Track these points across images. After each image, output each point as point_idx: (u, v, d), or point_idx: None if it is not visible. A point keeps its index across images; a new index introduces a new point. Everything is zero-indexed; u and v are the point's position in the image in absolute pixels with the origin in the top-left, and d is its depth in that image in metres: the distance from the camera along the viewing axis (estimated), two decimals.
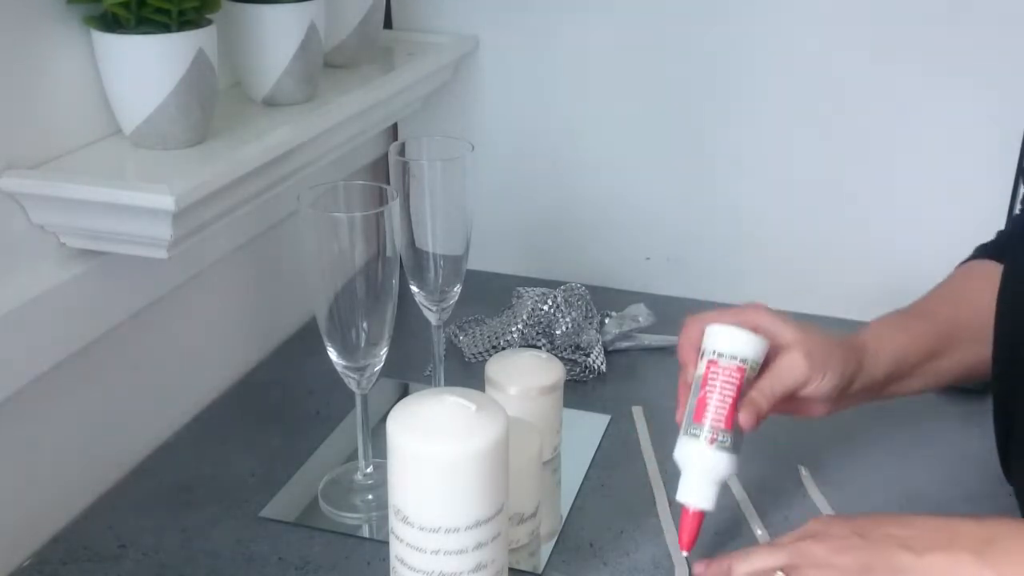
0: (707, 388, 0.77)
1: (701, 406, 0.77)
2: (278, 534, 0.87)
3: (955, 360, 0.84)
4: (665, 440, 0.99)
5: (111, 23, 0.79)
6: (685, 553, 0.79)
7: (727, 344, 0.77)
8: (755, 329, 0.78)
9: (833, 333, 0.81)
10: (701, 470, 0.77)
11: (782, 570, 0.71)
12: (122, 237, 0.81)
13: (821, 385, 0.78)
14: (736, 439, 0.77)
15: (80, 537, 0.86)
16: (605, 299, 1.21)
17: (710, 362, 0.77)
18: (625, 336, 1.14)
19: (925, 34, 1.09)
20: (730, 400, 0.76)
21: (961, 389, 1.00)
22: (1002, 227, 0.98)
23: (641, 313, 1.16)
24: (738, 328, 0.77)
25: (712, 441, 0.76)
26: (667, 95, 1.20)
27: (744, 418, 0.76)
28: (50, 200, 0.78)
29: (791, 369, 0.77)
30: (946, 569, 0.65)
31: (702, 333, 0.79)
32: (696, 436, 0.77)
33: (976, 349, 0.81)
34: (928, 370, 0.83)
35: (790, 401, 0.80)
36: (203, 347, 1.04)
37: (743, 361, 0.77)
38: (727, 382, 0.76)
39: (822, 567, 0.70)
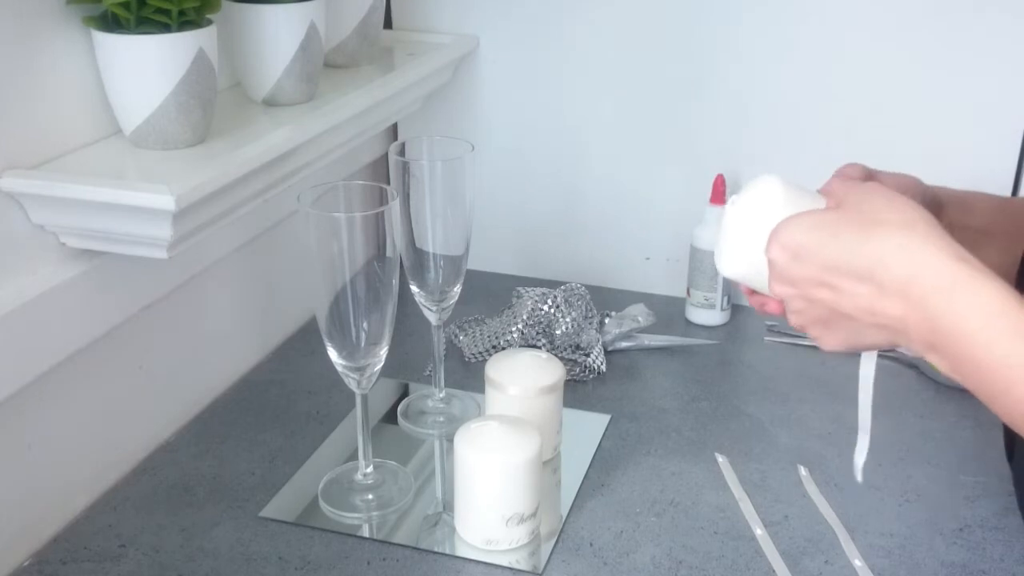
0: None
1: None
2: (278, 534, 0.87)
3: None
4: (666, 441, 0.99)
5: (111, 23, 0.79)
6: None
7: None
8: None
9: None
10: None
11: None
12: (122, 237, 0.81)
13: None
14: None
15: (80, 537, 0.86)
16: (605, 299, 1.21)
17: None
18: (625, 336, 1.15)
19: (926, 32, 1.09)
20: None
21: (961, 388, 1.00)
22: None
23: (641, 313, 1.16)
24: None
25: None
26: (667, 95, 1.20)
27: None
28: (50, 200, 0.78)
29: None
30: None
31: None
32: None
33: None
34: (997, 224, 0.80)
35: None
36: (203, 347, 1.04)
37: None
38: None
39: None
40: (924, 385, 1.08)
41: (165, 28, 0.79)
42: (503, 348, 1.10)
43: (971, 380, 0.60)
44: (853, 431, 0.74)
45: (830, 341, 0.68)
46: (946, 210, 0.79)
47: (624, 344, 1.15)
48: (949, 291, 0.59)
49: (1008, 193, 1.13)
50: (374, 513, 0.89)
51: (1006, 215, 0.82)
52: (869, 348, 0.68)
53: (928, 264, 0.60)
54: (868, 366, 0.73)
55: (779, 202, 0.68)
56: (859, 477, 0.77)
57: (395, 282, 0.82)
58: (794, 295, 0.67)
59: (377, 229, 0.79)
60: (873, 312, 0.62)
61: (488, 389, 0.93)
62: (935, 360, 0.62)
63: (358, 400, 0.87)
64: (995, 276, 0.60)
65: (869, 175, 0.75)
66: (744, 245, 0.70)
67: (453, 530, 0.86)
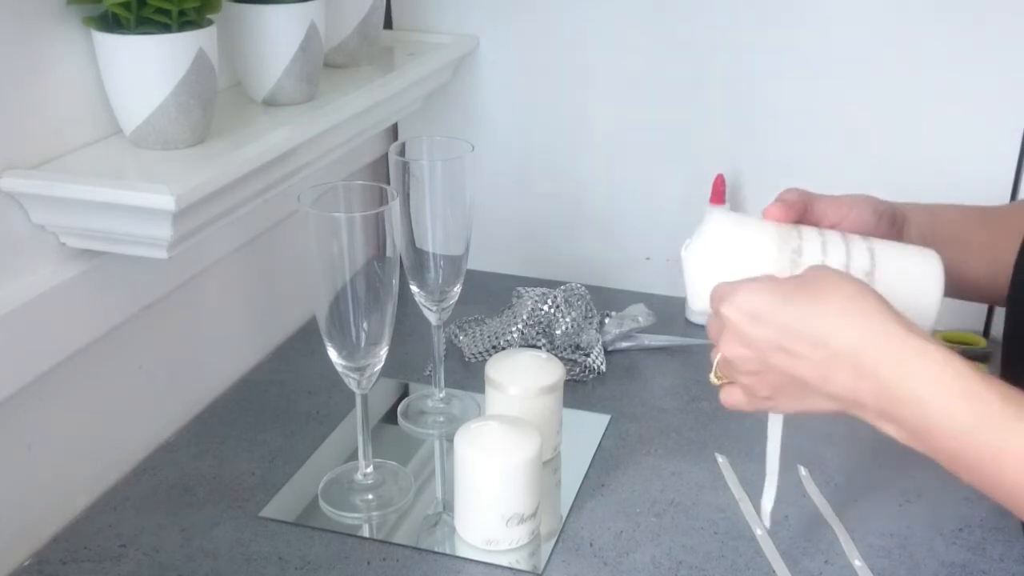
0: None
1: None
2: (278, 534, 0.87)
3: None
4: (666, 441, 0.99)
5: (111, 23, 0.79)
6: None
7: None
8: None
9: None
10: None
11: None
12: (122, 237, 0.81)
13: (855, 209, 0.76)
14: None
15: (80, 537, 0.86)
16: (605, 299, 1.21)
17: None
18: (625, 336, 1.15)
19: (926, 31, 1.09)
20: None
21: None
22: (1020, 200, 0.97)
23: (641, 313, 1.16)
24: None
25: None
26: (667, 95, 1.20)
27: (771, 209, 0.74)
28: (50, 200, 0.78)
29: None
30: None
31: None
32: None
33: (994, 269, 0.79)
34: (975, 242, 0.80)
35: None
36: (203, 347, 1.04)
37: None
38: None
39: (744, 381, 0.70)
40: None
41: (165, 28, 0.79)
42: (503, 348, 1.10)
43: (929, 446, 0.62)
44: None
45: (782, 406, 0.70)
46: (911, 223, 0.80)
47: (624, 344, 1.15)
48: (899, 359, 0.61)
49: (1007, 195, 1.13)
50: (374, 513, 0.89)
51: (980, 223, 0.83)
52: (820, 415, 0.69)
53: (879, 333, 0.62)
54: (776, 422, 0.78)
55: (730, 240, 0.73)
56: (767, 523, 0.82)
57: (395, 282, 0.82)
58: (750, 358, 0.68)
59: (377, 229, 0.79)
60: (825, 379, 0.64)
61: (488, 389, 0.93)
62: (890, 430, 0.63)
63: (358, 400, 0.87)
64: (943, 344, 0.61)
65: (807, 198, 0.77)
66: (707, 288, 0.73)
67: (453, 530, 0.86)
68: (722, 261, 0.72)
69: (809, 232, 0.74)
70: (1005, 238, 0.79)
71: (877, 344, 0.62)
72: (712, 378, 0.73)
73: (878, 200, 0.78)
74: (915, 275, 0.71)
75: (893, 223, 0.78)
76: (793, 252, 0.72)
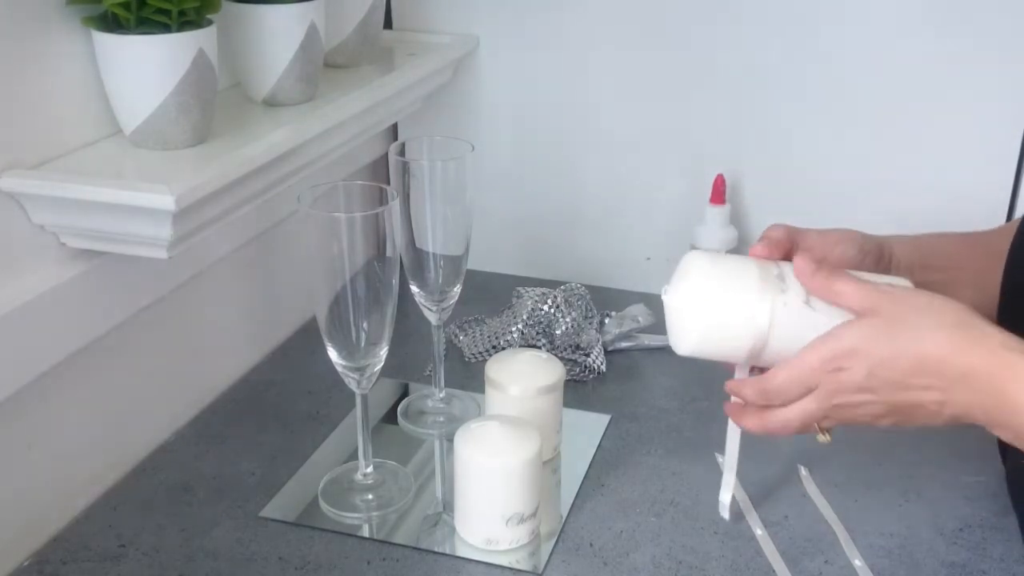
0: None
1: None
2: (278, 534, 0.87)
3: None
4: (666, 441, 0.99)
5: (111, 23, 0.79)
6: None
7: None
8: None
9: None
10: None
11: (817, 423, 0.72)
12: (122, 237, 0.81)
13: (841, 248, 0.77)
14: None
15: (80, 537, 0.86)
16: (605, 299, 1.21)
17: None
18: (625, 336, 1.15)
19: (926, 31, 1.09)
20: None
21: None
22: (1002, 225, 0.97)
23: (641, 313, 1.16)
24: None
25: None
26: (667, 95, 1.20)
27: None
28: (50, 200, 0.78)
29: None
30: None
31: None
32: None
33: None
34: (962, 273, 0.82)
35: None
36: (203, 347, 1.04)
37: None
38: None
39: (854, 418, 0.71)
40: None
41: (165, 28, 0.79)
42: (503, 348, 1.10)
43: None
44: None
45: (881, 425, 0.71)
46: (897, 258, 0.81)
47: (624, 344, 1.15)
48: (1012, 377, 0.63)
49: (1004, 206, 1.13)
50: (374, 513, 0.89)
51: (974, 250, 0.84)
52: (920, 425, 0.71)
53: (985, 350, 0.64)
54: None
55: (714, 274, 0.73)
56: (725, 514, 0.84)
57: (395, 282, 0.82)
58: (871, 401, 0.69)
59: (377, 229, 0.79)
60: (944, 404, 0.67)
61: (488, 389, 0.93)
62: (998, 432, 0.67)
63: (358, 400, 0.87)
64: None
65: (793, 235, 0.77)
66: (694, 330, 0.74)
67: (453, 530, 0.86)
68: (710, 297, 0.72)
69: (787, 263, 0.74)
70: (993, 262, 0.80)
71: (987, 362, 0.64)
72: (820, 438, 0.74)
73: (864, 236, 0.80)
74: None
75: (879, 259, 0.79)
76: (776, 278, 0.72)
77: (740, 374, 0.78)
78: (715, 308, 0.72)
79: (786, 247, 0.76)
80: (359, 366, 0.84)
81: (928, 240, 0.84)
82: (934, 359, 0.66)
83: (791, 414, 0.72)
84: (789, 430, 0.73)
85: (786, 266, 0.74)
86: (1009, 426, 0.65)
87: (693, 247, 1.19)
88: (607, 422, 1.02)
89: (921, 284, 0.74)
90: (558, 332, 1.10)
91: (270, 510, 0.89)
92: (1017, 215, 1.13)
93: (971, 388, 0.65)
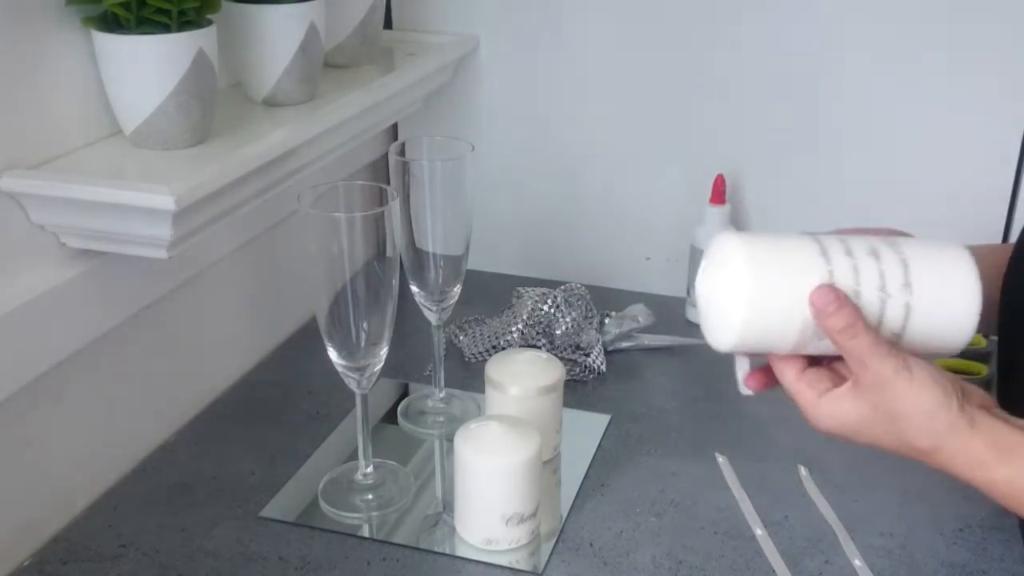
0: None
1: None
2: (278, 534, 0.87)
3: None
4: (666, 441, 0.99)
5: (111, 23, 0.79)
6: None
7: None
8: None
9: None
10: None
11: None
12: (122, 237, 0.81)
13: None
14: None
15: (80, 537, 0.86)
16: (605, 299, 1.21)
17: None
18: (625, 336, 1.15)
19: (926, 32, 1.09)
20: None
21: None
22: (1002, 227, 0.98)
23: (641, 313, 1.16)
24: None
25: None
26: (667, 95, 1.21)
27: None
28: (50, 200, 0.78)
29: None
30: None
31: None
32: None
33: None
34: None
35: None
36: (203, 347, 1.04)
37: None
38: None
39: None
40: None
41: (165, 28, 0.79)
42: (503, 348, 1.10)
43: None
44: None
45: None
46: None
47: (624, 344, 1.15)
48: (995, 469, 0.65)
49: (1004, 206, 1.12)
50: (374, 513, 0.89)
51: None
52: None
53: (970, 455, 0.65)
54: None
55: (743, 262, 0.65)
56: (743, 390, 0.74)
57: (395, 282, 0.82)
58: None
59: (377, 229, 0.79)
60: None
61: (488, 389, 0.93)
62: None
63: (358, 400, 0.87)
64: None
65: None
66: (732, 315, 0.65)
67: (453, 530, 0.86)
68: (761, 284, 0.65)
69: (833, 245, 0.66)
70: (993, 275, 0.79)
71: (969, 465, 0.65)
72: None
73: None
74: (952, 288, 0.67)
75: None
76: (828, 273, 0.65)
77: (741, 367, 0.72)
78: (766, 291, 0.64)
79: None
80: (359, 366, 0.84)
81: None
82: (916, 456, 0.68)
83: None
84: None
85: (831, 251, 0.66)
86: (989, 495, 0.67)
87: (693, 247, 1.20)
88: (607, 422, 1.02)
89: None
90: (558, 332, 1.10)
91: (270, 510, 0.89)
92: (1017, 216, 1.13)
93: (959, 472, 0.66)
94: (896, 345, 0.65)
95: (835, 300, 0.63)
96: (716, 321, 0.67)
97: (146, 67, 0.80)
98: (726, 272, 0.66)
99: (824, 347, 0.67)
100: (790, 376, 0.68)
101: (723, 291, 0.66)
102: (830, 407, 0.67)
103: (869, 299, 0.65)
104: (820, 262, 0.65)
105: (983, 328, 0.73)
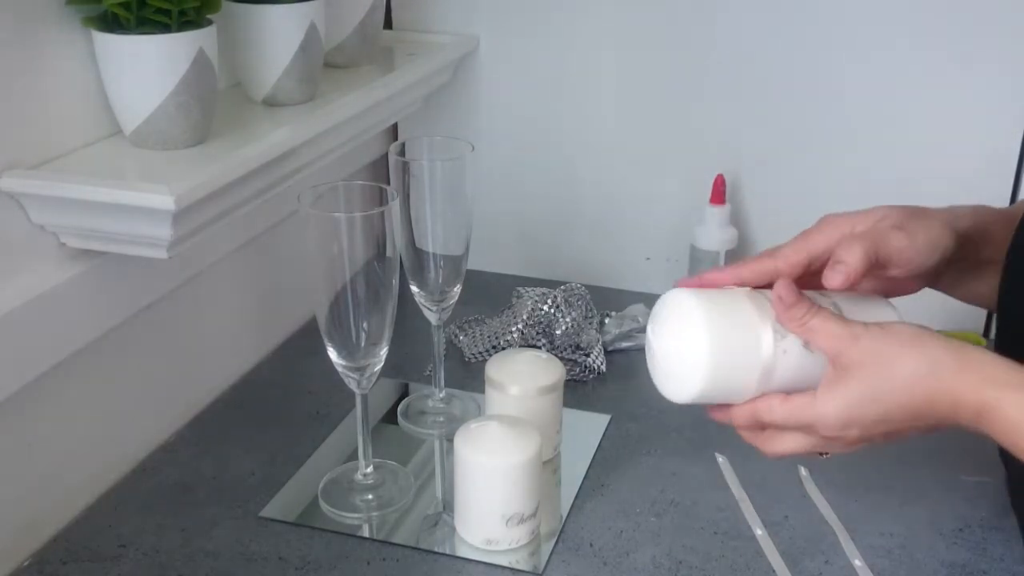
0: None
1: None
2: (278, 534, 0.87)
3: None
4: (666, 441, 0.99)
5: (111, 23, 0.79)
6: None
7: None
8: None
9: None
10: None
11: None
12: (122, 237, 0.81)
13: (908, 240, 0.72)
14: None
15: (80, 537, 0.86)
16: (605, 299, 1.21)
17: None
18: (625, 336, 1.15)
19: (926, 32, 1.09)
20: None
21: None
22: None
23: (641, 313, 1.16)
24: None
25: None
26: (667, 95, 1.21)
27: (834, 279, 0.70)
28: (50, 200, 0.78)
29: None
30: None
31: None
32: None
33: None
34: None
35: (881, 267, 0.73)
36: (203, 347, 1.04)
37: None
38: None
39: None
40: None
41: (165, 28, 0.79)
42: (503, 348, 1.10)
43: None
44: None
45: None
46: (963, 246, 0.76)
47: (624, 344, 1.15)
48: (991, 420, 0.64)
49: (1005, 206, 1.12)
50: (374, 513, 0.89)
51: (1008, 229, 0.80)
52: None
53: (965, 394, 0.65)
54: None
55: (699, 316, 0.68)
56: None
57: (395, 282, 0.82)
58: (854, 445, 0.71)
59: (377, 229, 0.79)
60: (931, 429, 0.69)
61: (488, 389, 0.93)
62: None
63: (358, 400, 0.87)
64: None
65: (877, 246, 0.72)
66: (686, 369, 0.70)
67: (453, 530, 0.86)
68: (713, 335, 0.67)
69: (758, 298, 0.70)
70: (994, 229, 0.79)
71: (967, 403, 0.65)
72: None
73: (948, 234, 0.75)
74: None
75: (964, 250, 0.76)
76: (774, 319, 0.69)
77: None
78: (720, 343, 0.67)
79: (870, 261, 0.71)
80: (359, 366, 0.84)
81: (988, 226, 0.79)
82: (923, 409, 0.66)
83: (784, 446, 0.73)
84: (778, 455, 0.74)
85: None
86: (992, 433, 0.66)
87: (693, 247, 1.20)
88: (607, 422, 1.02)
89: (975, 265, 0.76)
90: (558, 332, 1.10)
91: (270, 510, 0.89)
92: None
93: (961, 422, 0.66)
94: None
95: (794, 292, 0.68)
96: (675, 372, 0.72)
97: (146, 67, 0.80)
98: (682, 324, 0.69)
99: (780, 379, 0.70)
100: (776, 405, 0.70)
101: (681, 343, 0.69)
102: (825, 401, 0.68)
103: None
104: (761, 299, 0.70)
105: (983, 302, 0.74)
